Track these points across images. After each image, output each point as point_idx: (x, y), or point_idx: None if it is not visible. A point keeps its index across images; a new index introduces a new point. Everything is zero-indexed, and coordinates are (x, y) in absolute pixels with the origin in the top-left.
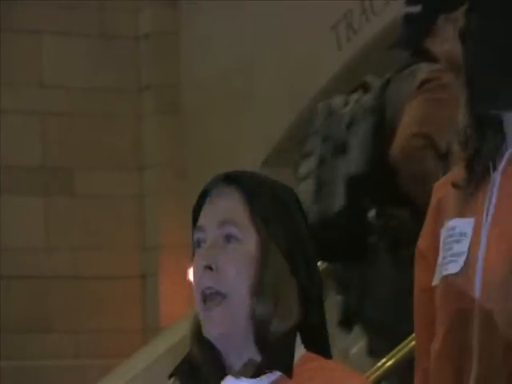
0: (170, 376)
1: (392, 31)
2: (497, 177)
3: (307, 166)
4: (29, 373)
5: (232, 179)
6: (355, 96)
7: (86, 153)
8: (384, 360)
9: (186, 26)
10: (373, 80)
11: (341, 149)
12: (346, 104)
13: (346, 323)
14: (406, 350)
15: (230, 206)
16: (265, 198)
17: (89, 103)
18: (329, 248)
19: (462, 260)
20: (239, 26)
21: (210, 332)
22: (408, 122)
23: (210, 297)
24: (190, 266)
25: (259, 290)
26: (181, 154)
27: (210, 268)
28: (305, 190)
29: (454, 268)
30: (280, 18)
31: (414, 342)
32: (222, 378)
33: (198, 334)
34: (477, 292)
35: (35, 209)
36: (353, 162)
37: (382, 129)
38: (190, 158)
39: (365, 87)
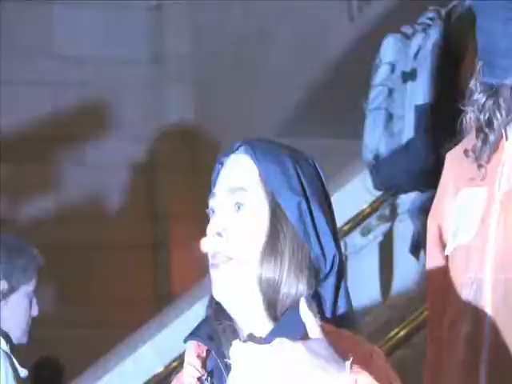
0: (186, 340)
1: (402, 3)
2: (509, 146)
3: (376, 96)
4: (43, 342)
5: (245, 147)
6: (422, 25)
7: (95, 125)
8: (396, 330)
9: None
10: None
11: (409, 77)
12: (414, 33)
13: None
14: (416, 321)
15: (241, 173)
16: (277, 168)
17: (98, 74)
18: (396, 180)
19: (474, 229)
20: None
21: (218, 291)
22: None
23: (219, 258)
24: (201, 236)
25: (268, 256)
26: (191, 124)
27: (218, 234)
28: (373, 121)
29: (467, 237)
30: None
31: (425, 314)
32: (230, 340)
33: (214, 300)
34: (490, 262)
35: (45, 179)
36: (421, 90)
37: (449, 60)
38: (200, 128)
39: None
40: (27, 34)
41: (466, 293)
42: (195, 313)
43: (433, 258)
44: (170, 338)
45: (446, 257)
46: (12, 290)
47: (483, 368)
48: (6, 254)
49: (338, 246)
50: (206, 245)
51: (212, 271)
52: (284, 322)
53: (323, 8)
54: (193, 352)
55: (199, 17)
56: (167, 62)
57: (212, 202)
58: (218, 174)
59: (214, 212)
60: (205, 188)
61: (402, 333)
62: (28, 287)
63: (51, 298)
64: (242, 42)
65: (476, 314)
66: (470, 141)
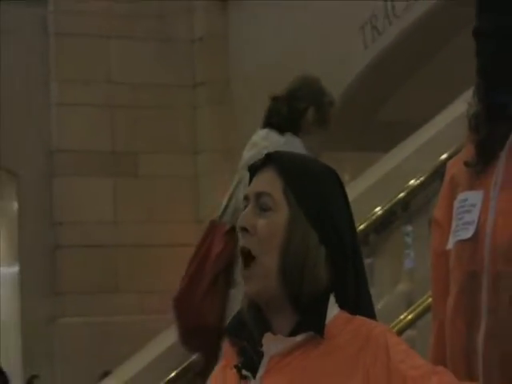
0: (223, 332)
1: (412, 32)
2: (504, 155)
3: None
4: (99, 327)
5: (271, 159)
6: None
7: (149, 139)
8: (405, 314)
9: (234, 28)
10: None
11: None
12: None
13: None
14: (423, 306)
15: (267, 180)
16: (298, 176)
17: (149, 97)
18: None
19: (472, 227)
20: (279, 28)
21: (246, 290)
22: None
23: (246, 259)
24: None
25: (287, 256)
26: (229, 140)
27: (246, 230)
28: None
29: (465, 234)
30: (315, 21)
31: (430, 300)
32: (263, 334)
33: (247, 299)
34: (486, 255)
35: (104, 189)
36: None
37: None
38: (237, 143)
39: None
40: (88, 64)
41: (465, 283)
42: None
43: (436, 252)
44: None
45: (448, 251)
46: None
47: (480, 353)
48: None
49: (356, 244)
50: (241, 239)
51: (242, 273)
52: (307, 315)
53: (341, 37)
54: (229, 343)
55: (235, 46)
56: (208, 85)
57: (245, 203)
58: (250, 180)
59: (245, 207)
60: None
61: (409, 316)
62: None
63: (107, 289)
64: (272, 67)
65: (474, 302)
66: (468, 150)
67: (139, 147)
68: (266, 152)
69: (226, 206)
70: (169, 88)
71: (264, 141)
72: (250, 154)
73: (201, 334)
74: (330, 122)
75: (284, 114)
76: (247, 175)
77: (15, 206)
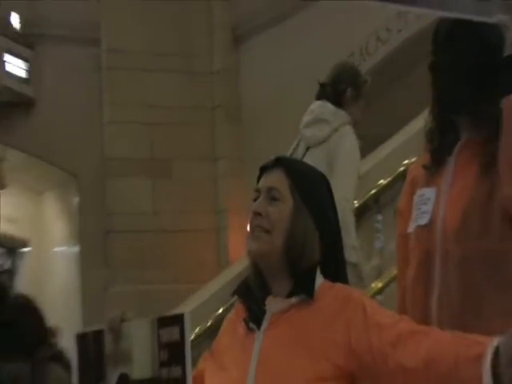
0: (233, 294)
1: (380, 67)
2: (452, 159)
3: None
4: (142, 294)
5: (279, 162)
6: None
7: (179, 149)
8: (376, 282)
9: (244, 63)
10: None
11: None
12: None
13: None
14: (389, 277)
15: (276, 178)
16: (301, 177)
17: (179, 117)
18: None
19: (428, 216)
20: (280, 62)
21: (250, 248)
22: None
23: (256, 236)
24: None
25: (291, 236)
26: (241, 150)
27: (259, 214)
28: None
29: (422, 221)
30: (307, 57)
31: (395, 272)
32: (265, 297)
33: (253, 266)
34: (438, 237)
35: (145, 187)
36: None
37: None
38: (246, 152)
39: None
40: (132, 91)
41: (422, 258)
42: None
43: (400, 235)
44: (227, 290)
45: (409, 234)
46: None
47: (434, 313)
48: None
49: (338, 231)
50: (250, 220)
51: (249, 238)
52: (301, 282)
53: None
54: (239, 301)
55: (246, 76)
56: (224, 108)
57: (256, 195)
58: (259, 179)
59: (257, 198)
60: (250, 193)
61: (379, 284)
62: None
63: (148, 264)
64: (276, 94)
65: (429, 273)
66: (425, 157)
67: (172, 155)
68: (322, 119)
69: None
70: (193, 109)
71: (320, 108)
72: (308, 118)
73: None
74: (365, 97)
75: (329, 95)
76: (304, 135)
77: (76, 200)
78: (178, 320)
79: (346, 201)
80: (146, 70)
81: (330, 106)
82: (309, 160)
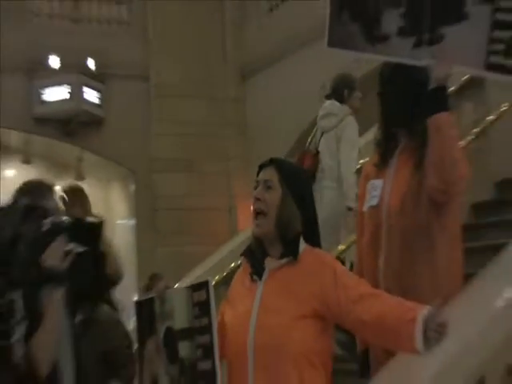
0: (241, 255)
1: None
2: (394, 160)
3: None
4: (180, 253)
5: (273, 161)
6: None
7: (203, 153)
8: (341, 246)
9: (249, 92)
10: None
11: None
12: None
13: None
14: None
15: (270, 173)
16: (288, 170)
17: (203, 130)
18: None
19: (377, 199)
20: (277, 91)
21: (255, 231)
22: None
23: (258, 215)
24: (250, 205)
25: (281, 215)
26: (246, 153)
27: (258, 199)
28: None
29: (373, 202)
30: (295, 86)
31: (354, 238)
32: (264, 258)
33: (255, 236)
34: (384, 214)
35: (180, 179)
36: None
37: None
38: (250, 155)
39: None
40: (172, 111)
41: (373, 230)
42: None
43: (359, 212)
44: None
45: (364, 212)
46: None
47: (381, 270)
48: None
49: (314, 211)
50: (253, 204)
51: (254, 222)
52: (289, 247)
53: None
54: (245, 261)
55: (250, 104)
56: (236, 127)
57: (256, 184)
58: (259, 173)
59: (257, 187)
60: (252, 184)
61: (343, 247)
62: None
63: (182, 232)
64: (271, 118)
65: (378, 241)
66: (374, 158)
67: (198, 157)
68: (331, 113)
69: (310, 142)
70: (213, 125)
71: (330, 105)
72: (322, 113)
73: None
74: (359, 91)
75: (335, 96)
76: (319, 125)
77: (133, 187)
78: (205, 285)
79: (349, 168)
80: (181, 97)
81: (336, 103)
82: (323, 142)
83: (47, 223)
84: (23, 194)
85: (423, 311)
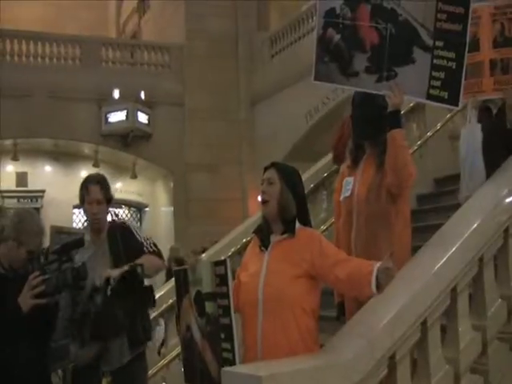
0: (253, 232)
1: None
2: (362, 163)
3: None
4: (204, 232)
5: (274, 164)
6: None
7: (221, 159)
8: (323, 227)
9: (258, 114)
10: None
11: None
12: None
13: None
14: (330, 222)
15: (272, 173)
16: (284, 171)
17: (223, 142)
18: None
19: (349, 191)
20: (278, 113)
21: (264, 212)
22: None
23: (264, 203)
24: (257, 196)
25: (281, 202)
26: (254, 159)
27: (264, 192)
28: None
29: (347, 193)
30: (292, 110)
31: (333, 220)
32: (270, 234)
33: (263, 217)
34: (354, 202)
35: (206, 178)
36: None
37: None
38: (257, 160)
39: None
40: (201, 127)
41: (347, 213)
42: (257, 222)
43: (336, 200)
44: (248, 230)
45: (340, 201)
46: None
47: (353, 240)
48: None
49: (305, 200)
50: (261, 196)
51: (262, 205)
52: (288, 226)
53: (300, 118)
54: (255, 236)
55: (259, 125)
56: (248, 143)
57: (262, 182)
58: (264, 173)
59: (263, 183)
60: (259, 181)
61: (325, 227)
62: None
63: (210, 218)
64: (276, 133)
65: (351, 220)
66: (348, 161)
67: (219, 162)
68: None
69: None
70: (230, 139)
71: None
72: None
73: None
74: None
75: None
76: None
77: (171, 184)
78: (224, 263)
79: None
80: (207, 118)
81: None
82: None
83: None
84: None
85: (377, 264)
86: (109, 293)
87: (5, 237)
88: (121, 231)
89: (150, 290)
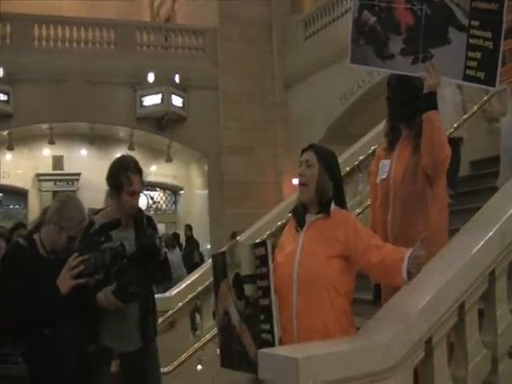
0: (289, 213)
1: (365, 98)
2: (398, 145)
3: None
4: (239, 214)
5: (312, 146)
6: None
7: (257, 142)
8: (358, 210)
9: (291, 97)
10: None
11: None
12: None
13: None
14: (366, 205)
15: (310, 155)
16: (322, 152)
17: (258, 125)
18: None
19: (386, 173)
20: (310, 96)
21: (300, 197)
22: None
23: (301, 186)
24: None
25: (319, 184)
26: (289, 141)
27: (302, 175)
28: None
29: (383, 176)
30: (326, 92)
31: (369, 203)
32: (305, 215)
33: (299, 201)
34: (391, 184)
35: (240, 161)
36: None
37: None
38: (292, 143)
39: None
40: (234, 112)
41: (383, 195)
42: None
43: (372, 183)
44: (283, 213)
45: (377, 183)
46: None
47: (389, 223)
48: None
49: (341, 181)
50: (299, 178)
51: (299, 187)
52: (324, 207)
53: (334, 101)
54: (292, 218)
55: (291, 105)
56: (281, 122)
57: (300, 164)
58: (301, 155)
59: (301, 165)
60: (294, 164)
61: (360, 210)
62: None
63: (245, 198)
64: (307, 114)
65: (388, 202)
66: (384, 143)
67: (254, 144)
68: None
69: None
70: (265, 121)
71: None
72: None
73: None
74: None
75: None
76: None
77: (206, 167)
78: (264, 244)
79: None
80: (241, 101)
81: None
82: None
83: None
84: None
85: (408, 252)
86: (120, 249)
87: (47, 220)
88: (147, 219)
89: (166, 262)
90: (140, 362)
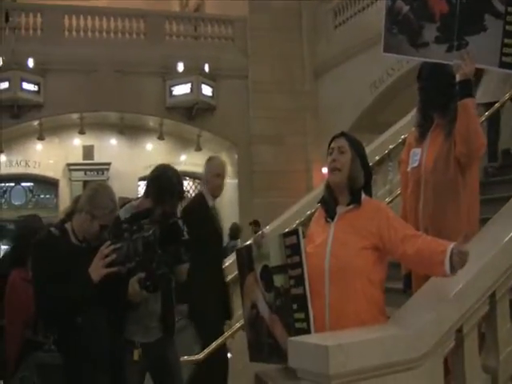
0: (318, 202)
1: (395, 86)
2: (429, 134)
3: None
4: (268, 203)
5: (343, 133)
6: None
7: (287, 130)
8: (388, 198)
9: (321, 86)
10: None
11: None
12: None
13: None
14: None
15: (343, 142)
16: (354, 140)
17: (288, 114)
18: None
19: (417, 162)
20: (339, 85)
21: (331, 178)
22: None
23: (333, 171)
24: (322, 167)
25: (351, 171)
26: (318, 129)
27: (334, 160)
28: None
29: (414, 164)
30: (354, 80)
31: (399, 191)
32: (335, 205)
33: (327, 187)
34: (422, 172)
35: (270, 150)
36: None
37: None
38: (321, 131)
39: None
40: (265, 101)
41: (414, 183)
42: (319, 196)
43: (403, 171)
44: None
45: (407, 172)
46: None
47: (420, 210)
48: None
49: (370, 170)
50: (328, 164)
51: (329, 173)
52: (354, 196)
53: (364, 88)
54: (320, 207)
55: (322, 103)
56: (310, 110)
57: (330, 151)
58: (331, 142)
59: (332, 152)
60: (323, 152)
61: (390, 199)
62: None
63: (274, 186)
64: (336, 103)
65: (419, 190)
66: (414, 132)
67: (283, 133)
68: None
69: None
70: (295, 110)
71: None
72: None
73: None
74: None
75: None
76: None
77: (236, 156)
78: (295, 232)
79: None
80: (271, 91)
81: None
82: None
83: None
84: None
85: (451, 245)
86: (152, 238)
87: (79, 208)
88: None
89: (188, 243)
90: (161, 351)
